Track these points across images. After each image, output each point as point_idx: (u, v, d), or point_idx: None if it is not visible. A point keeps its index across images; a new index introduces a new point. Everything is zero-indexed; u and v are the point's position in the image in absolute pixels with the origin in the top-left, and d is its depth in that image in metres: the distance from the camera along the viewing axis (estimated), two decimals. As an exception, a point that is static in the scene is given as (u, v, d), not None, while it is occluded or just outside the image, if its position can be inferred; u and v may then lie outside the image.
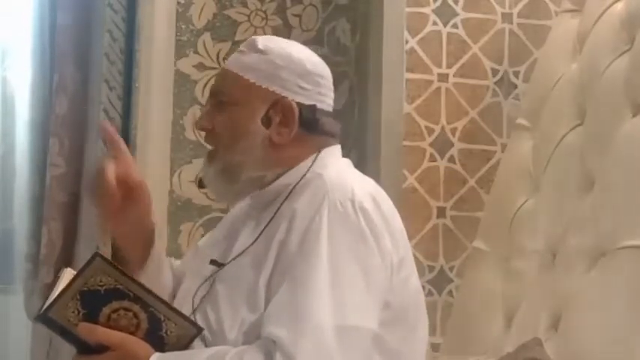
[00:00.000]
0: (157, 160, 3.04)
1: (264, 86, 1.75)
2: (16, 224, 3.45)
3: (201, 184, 1.84)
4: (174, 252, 3.03)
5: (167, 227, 3.05)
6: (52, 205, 3.18)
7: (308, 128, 1.75)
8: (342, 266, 1.58)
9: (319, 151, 1.75)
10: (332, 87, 1.82)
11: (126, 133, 3.11)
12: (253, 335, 1.60)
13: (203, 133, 1.85)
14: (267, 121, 1.74)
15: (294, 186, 1.71)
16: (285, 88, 1.75)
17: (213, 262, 1.75)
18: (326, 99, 1.79)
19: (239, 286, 1.66)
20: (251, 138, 1.73)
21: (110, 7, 3.12)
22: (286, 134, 1.74)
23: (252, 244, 1.69)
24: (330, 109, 1.80)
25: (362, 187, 1.67)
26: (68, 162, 3.19)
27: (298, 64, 1.77)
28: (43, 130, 3.26)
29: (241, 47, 1.80)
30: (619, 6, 2.35)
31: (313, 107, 1.75)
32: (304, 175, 1.71)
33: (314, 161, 1.73)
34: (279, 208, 1.69)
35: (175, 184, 3.06)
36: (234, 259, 1.69)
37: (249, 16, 3.16)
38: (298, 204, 1.66)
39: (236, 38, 3.13)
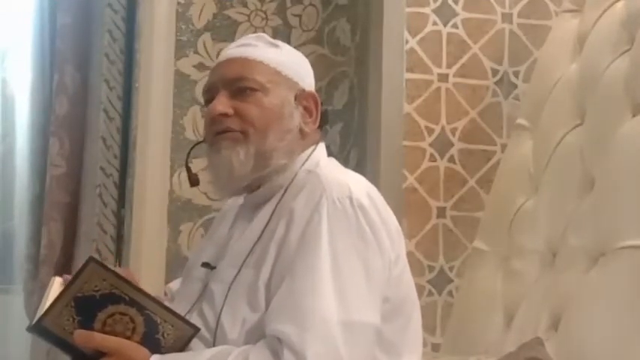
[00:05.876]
0: (157, 160, 3.04)
1: (289, 76, 1.76)
2: (17, 225, 3.45)
3: (194, 182, 1.83)
4: (175, 252, 3.03)
5: (167, 227, 3.05)
6: (52, 205, 3.18)
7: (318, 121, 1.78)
8: (343, 263, 1.58)
9: (316, 144, 1.77)
10: None
11: (126, 133, 3.11)
12: (256, 335, 1.60)
13: (201, 134, 1.85)
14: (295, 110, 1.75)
15: (289, 184, 1.71)
16: (303, 80, 1.78)
17: (204, 264, 1.76)
18: None
19: (238, 286, 1.65)
20: (285, 124, 1.73)
21: (110, 7, 3.12)
22: (311, 124, 1.76)
23: (255, 243, 1.68)
24: None
25: (357, 184, 1.67)
26: (68, 162, 3.20)
27: (305, 61, 1.82)
28: (43, 131, 3.26)
29: (247, 41, 1.79)
30: (619, 6, 2.35)
31: (322, 101, 1.79)
32: (296, 173, 1.72)
33: (308, 157, 1.74)
34: (276, 207, 1.69)
35: (175, 184, 3.05)
36: (243, 261, 1.67)
37: (249, 16, 3.16)
38: (296, 203, 1.65)
39: (236, 38, 3.12)
